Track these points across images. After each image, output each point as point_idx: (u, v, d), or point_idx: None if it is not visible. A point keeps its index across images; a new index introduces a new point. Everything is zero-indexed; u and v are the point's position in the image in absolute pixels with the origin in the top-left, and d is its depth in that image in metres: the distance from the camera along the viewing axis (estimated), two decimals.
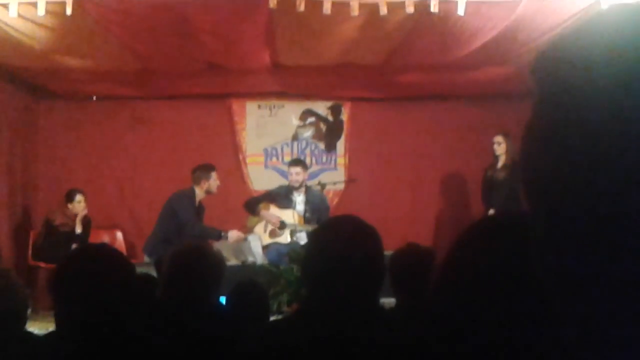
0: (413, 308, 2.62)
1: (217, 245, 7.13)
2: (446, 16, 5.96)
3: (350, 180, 8.97)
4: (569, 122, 0.56)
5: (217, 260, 3.12)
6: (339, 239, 2.05)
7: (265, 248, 7.43)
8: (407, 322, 2.03)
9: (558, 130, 0.57)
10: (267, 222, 7.53)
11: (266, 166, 9.35)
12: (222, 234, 7.12)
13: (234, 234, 7.16)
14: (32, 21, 6.00)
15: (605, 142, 0.53)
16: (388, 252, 2.90)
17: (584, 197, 0.55)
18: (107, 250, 2.39)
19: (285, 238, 7.45)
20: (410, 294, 3.16)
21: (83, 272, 2.19)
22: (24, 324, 3.12)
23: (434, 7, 5.76)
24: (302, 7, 5.74)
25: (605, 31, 0.56)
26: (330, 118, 9.46)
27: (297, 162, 7.97)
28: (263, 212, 7.56)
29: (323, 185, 8.11)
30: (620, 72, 0.53)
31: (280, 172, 8.90)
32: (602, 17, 0.58)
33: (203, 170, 7.27)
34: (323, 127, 9.46)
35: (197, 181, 7.22)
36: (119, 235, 8.89)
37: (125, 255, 2.35)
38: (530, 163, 0.60)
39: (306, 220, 7.50)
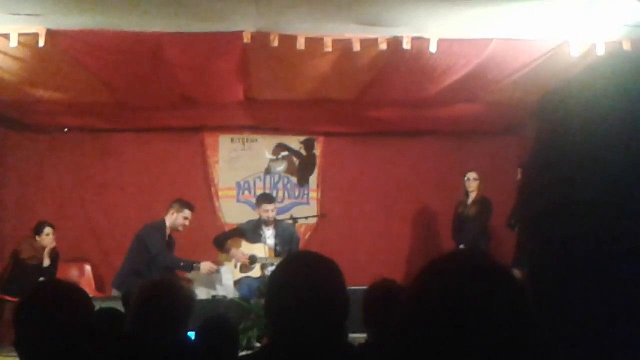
0: (383, 343, 2.61)
1: (190, 276, 7.09)
2: (419, 53, 6.04)
3: (320, 216, 8.96)
4: (566, 161, 0.57)
5: (187, 295, 3.08)
6: (297, 275, 2.05)
7: (236, 283, 7.37)
8: (377, 357, 2.02)
9: (555, 167, 0.58)
10: (237, 260, 7.49)
11: (238, 200, 9.31)
12: (195, 265, 7.07)
13: (206, 266, 7.12)
14: (4, 53, 5.96)
15: (603, 176, 0.55)
16: (362, 287, 2.89)
17: (578, 231, 0.56)
18: (66, 285, 2.35)
19: (256, 272, 7.41)
20: (383, 330, 3.14)
21: (43, 307, 2.15)
22: None
23: (407, 45, 5.84)
24: (276, 43, 5.78)
25: (600, 78, 0.58)
26: (303, 152, 9.48)
27: (268, 198, 7.95)
28: (232, 251, 7.51)
29: (295, 220, 8.08)
30: (617, 115, 0.55)
31: (252, 206, 8.85)
32: (598, 65, 0.60)
33: (181, 204, 7.22)
34: (296, 161, 9.47)
35: (169, 211, 7.18)
36: (88, 268, 8.75)
37: (84, 291, 2.31)
38: (528, 195, 0.62)
39: (277, 254, 7.46)
